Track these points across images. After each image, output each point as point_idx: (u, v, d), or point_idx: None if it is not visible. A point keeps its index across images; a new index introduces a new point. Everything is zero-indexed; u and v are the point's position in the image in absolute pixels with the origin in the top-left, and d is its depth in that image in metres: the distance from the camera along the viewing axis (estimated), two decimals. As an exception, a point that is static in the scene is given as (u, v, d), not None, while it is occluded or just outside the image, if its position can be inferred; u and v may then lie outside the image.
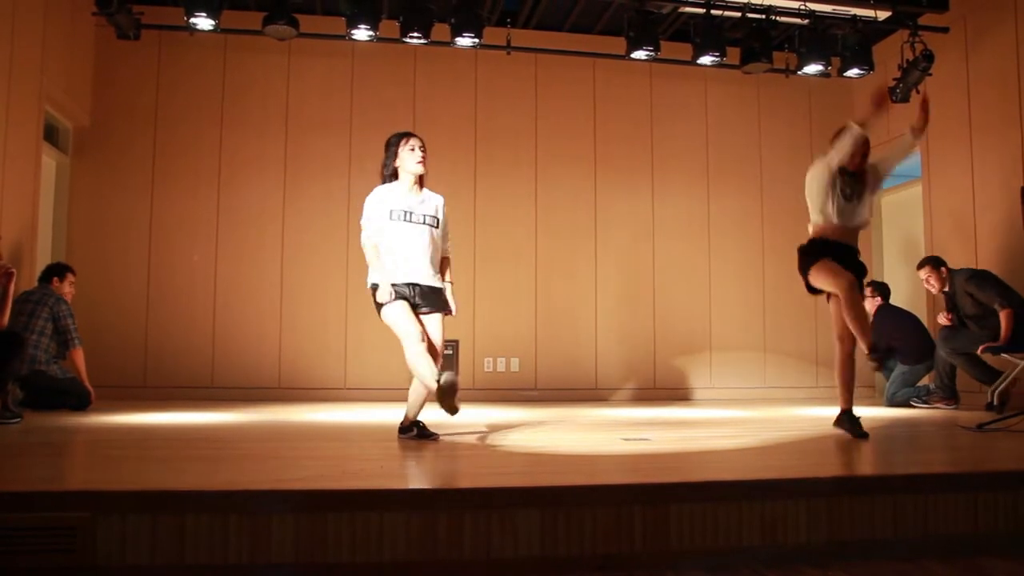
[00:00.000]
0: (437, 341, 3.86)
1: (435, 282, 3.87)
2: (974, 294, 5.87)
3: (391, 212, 3.81)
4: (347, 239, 6.89)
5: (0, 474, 2.81)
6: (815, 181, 4.06)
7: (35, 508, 2.21)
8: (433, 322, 3.86)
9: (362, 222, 3.93)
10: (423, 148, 3.91)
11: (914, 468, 3.11)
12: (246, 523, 2.25)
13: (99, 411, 5.38)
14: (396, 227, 3.81)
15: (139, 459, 3.29)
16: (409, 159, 3.88)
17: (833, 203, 3.98)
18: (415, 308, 3.82)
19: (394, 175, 3.93)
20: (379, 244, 3.84)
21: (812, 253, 4.06)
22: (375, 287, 3.83)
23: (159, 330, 6.96)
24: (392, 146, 3.95)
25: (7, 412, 4.52)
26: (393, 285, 3.77)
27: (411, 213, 3.84)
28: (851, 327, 3.87)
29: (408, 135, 3.96)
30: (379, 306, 3.82)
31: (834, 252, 4.00)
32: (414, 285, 3.82)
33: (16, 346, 4.62)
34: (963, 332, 5.96)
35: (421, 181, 3.96)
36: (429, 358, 3.70)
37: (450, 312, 3.94)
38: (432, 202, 3.95)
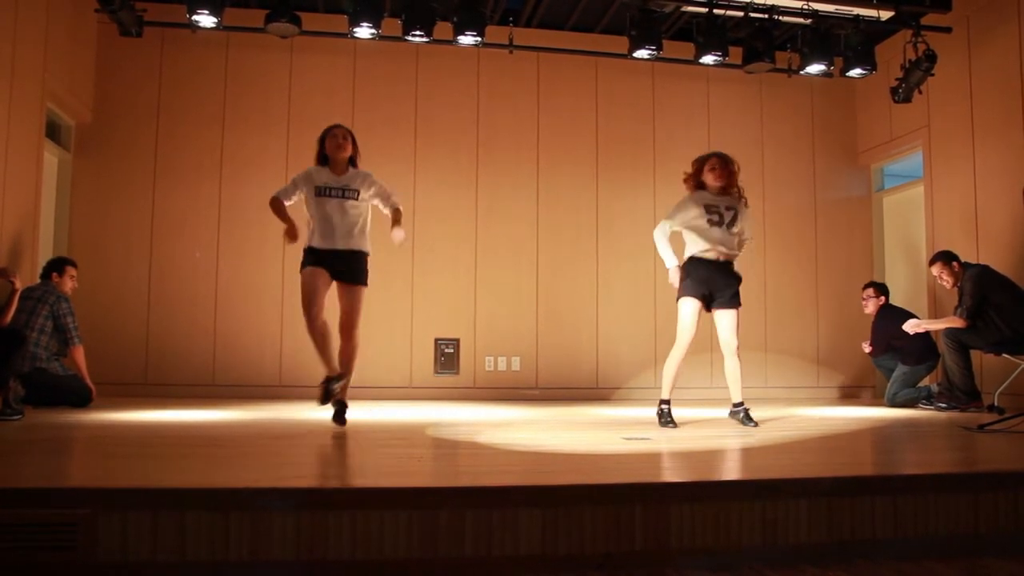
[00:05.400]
0: (350, 310, 4.24)
1: (355, 246, 4.28)
2: (964, 290, 5.85)
3: (315, 188, 4.29)
4: (348, 237, 6.89)
5: (1, 470, 2.82)
6: None
7: (36, 504, 2.21)
8: (349, 293, 4.26)
9: None
10: (345, 136, 4.37)
11: (915, 468, 3.11)
12: (247, 520, 2.25)
13: (100, 408, 5.38)
14: (319, 201, 4.27)
15: (140, 456, 3.29)
16: (329, 145, 4.36)
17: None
18: (338, 275, 4.24)
19: (325, 160, 4.38)
20: (287, 204, 4.35)
21: None
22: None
23: (160, 327, 6.96)
24: (320, 139, 4.42)
25: (8, 409, 4.53)
26: (314, 250, 4.24)
27: (330, 188, 4.29)
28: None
29: (333, 127, 4.42)
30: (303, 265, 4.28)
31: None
32: (333, 251, 4.23)
33: (16, 343, 4.63)
34: (972, 327, 5.79)
35: (350, 162, 4.41)
36: (320, 335, 4.19)
37: (364, 283, 4.34)
38: (357, 178, 4.36)
